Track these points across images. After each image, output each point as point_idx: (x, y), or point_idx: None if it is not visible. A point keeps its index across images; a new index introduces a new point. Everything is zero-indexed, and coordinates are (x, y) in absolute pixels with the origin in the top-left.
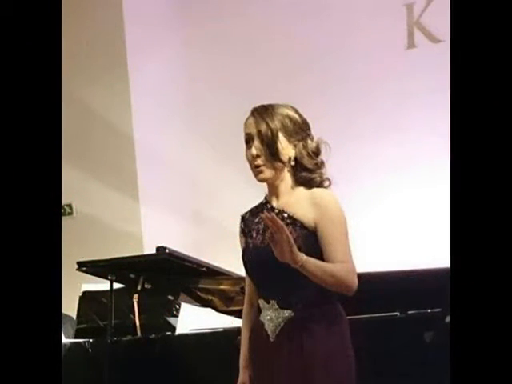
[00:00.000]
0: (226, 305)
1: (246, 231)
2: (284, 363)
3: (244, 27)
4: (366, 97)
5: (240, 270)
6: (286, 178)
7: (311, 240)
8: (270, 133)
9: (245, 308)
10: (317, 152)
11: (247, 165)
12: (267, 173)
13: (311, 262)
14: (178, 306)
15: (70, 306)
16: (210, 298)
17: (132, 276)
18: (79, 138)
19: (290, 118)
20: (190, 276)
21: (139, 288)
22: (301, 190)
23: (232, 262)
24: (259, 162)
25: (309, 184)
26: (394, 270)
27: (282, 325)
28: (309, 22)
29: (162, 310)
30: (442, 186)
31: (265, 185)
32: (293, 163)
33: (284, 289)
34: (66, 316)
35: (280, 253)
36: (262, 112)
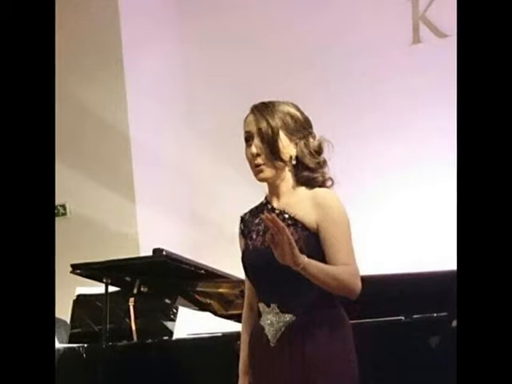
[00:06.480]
0: (225, 308)
1: (245, 232)
2: (285, 369)
3: (243, 21)
4: (370, 94)
5: (239, 273)
6: (287, 177)
7: (313, 242)
8: (270, 131)
9: (244, 312)
10: (319, 151)
11: (247, 164)
12: (267, 172)
13: (313, 265)
14: (175, 310)
15: (63, 310)
16: (209, 301)
17: (128, 279)
18: (73, 136)
19: (292, 116)
20: (188, 279)
21: (135, 291)
22: (302, 190)
23: (231, 264)
24: (259, 160)
25: (310, 184)
26: (398, 273)
27: (282, 329)
28: (311, 16)
29: (158, 314)
30: (448, 186)
31: (265, 185)
32: (294, 162)
33: (285, 292)
34: (60, 320)
35: (281, 255)
36: (263, 109)
